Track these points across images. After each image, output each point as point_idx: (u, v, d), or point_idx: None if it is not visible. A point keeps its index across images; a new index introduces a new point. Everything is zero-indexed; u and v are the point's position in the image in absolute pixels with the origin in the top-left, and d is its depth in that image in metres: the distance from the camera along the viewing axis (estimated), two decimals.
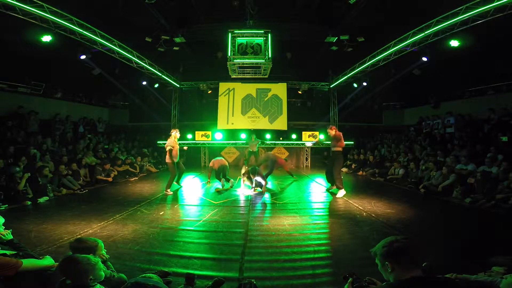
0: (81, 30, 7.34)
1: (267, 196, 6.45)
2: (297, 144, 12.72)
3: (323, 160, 13.08)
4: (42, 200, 5.75)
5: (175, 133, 6.85)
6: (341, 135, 6.52)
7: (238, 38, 8.65)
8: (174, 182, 6.95)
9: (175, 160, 6.75)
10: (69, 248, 2.29)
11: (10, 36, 8.24)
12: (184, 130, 13.18)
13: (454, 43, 7.82)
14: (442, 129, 10.53)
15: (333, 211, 5.26)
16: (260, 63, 8.90)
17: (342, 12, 8.94)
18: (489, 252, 2.83)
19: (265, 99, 12.96)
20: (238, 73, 9.89)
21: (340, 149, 6.49)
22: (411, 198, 6.46)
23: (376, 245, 1.51)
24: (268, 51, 8.60)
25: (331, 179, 6.73)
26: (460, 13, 6.35)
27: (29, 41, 7.68)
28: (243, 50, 8.64)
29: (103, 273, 1.86)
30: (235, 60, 8.69)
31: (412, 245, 1.43)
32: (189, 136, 12.66)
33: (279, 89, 12.98)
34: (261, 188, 6.67)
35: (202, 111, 13.51)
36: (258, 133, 11.92)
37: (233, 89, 12.99)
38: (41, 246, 3.34)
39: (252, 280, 2.36)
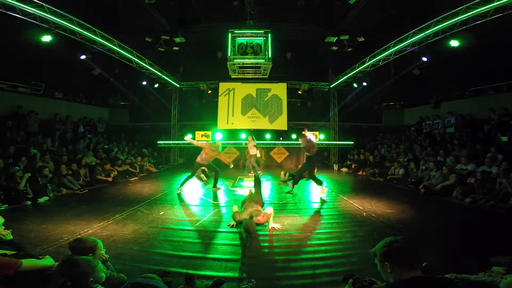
0: (81, 30, 7.34)
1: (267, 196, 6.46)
2: (297, 144, 12.71)
3: (323, 160, 13.08)
4: (42, 200, 5.74)
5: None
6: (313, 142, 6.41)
7: (238, 38, 8.65)
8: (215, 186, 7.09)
9: (204, 163, 6.85)
10: (68, 248, 2.29)
11: (10, 36, 8.24)
12: (184, 130, 13.21)
13: (454, 43, 7.83)
14: (442, 129, 10.54)
15: (333, 211, 5.26)
16: (260, 63, 8.91)
17: (342, 12, 8.94)
18: (489, 252, 2.82)
19: (265, 99, 12.96)
20: (238, 73, 9.89)
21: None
22: (411, 198, 6.45)
23: (376, 246, 1.51)
24: (268, 51, 8.60)
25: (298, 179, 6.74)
26: (460, 13, 6.35)
27: (29, 41, 7.67)
28: (243, 50, 8.65)
29: (103, 275, 1.86)
30: (235, 60, 8.69)
31: (411, 245, 1.43)
32: (189, 136, 12.63)
33: (279, 89, 12.98)
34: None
35: (202, 111, 13.50)
36: (257, 133, 11.89)
37: (233, 89, 12.98)
38: (41, 246, 3.34)
39: (253, 280, 2.36)
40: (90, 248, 2.19)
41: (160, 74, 11.43)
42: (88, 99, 13.01)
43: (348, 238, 3.85)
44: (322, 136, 12.28)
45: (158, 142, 12.85)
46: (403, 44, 8.19)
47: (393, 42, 8.50)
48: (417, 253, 1.42)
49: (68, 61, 9.50)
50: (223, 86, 12.96)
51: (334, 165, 12.02)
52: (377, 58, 9.43)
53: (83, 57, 8.75)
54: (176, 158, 13.38)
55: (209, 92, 13.38)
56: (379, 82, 11.99)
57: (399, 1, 8.18)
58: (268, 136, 12.63)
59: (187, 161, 13.45)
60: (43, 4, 6.33)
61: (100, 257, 2.23)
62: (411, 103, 13.77)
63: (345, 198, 6.21)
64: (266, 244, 3.67)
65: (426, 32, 7.30)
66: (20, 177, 5.77)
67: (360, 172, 10.40)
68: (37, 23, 6.53)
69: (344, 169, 11.37)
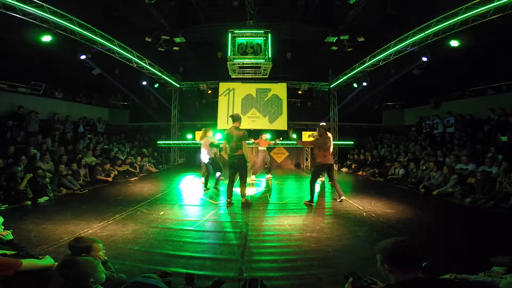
0: (81, 30, 7.34)
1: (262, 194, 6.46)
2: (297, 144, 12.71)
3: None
4: (42, 200, 5.75)
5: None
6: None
7: (238, 38, 8.65)
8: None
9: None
10: (68, 247, 2.29)
11: (10, 36, 8.24)
12: (184, 130, 13.23)
13: (454, 43, 7.82)
14: (442, 129, 10.54)
15: (333, 211, 5.26)
16: (260, 63, 8.90)
17: (342, 12, 8.94)
18: (489, 252, 2.82)
19: (265, 99, 12.96)
20: (238, 73, 9.89)
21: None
22: (411, 198, 6.45)
23: (376, 246, 1.51)
24: (268, 51, 8.60)
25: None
26: (460, 13, 6.35)
27: (29, 41, 7.67)
28: (243, 50, 8.64)
29: (104, 275, 1.85)
30: (235, 60, 8.69)
31: (411, 247, 1.42)
32: (189, 136, 12.66)
33: (279, 89, 12.98)
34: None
35: (202, 111, 13.51)
36: (257, 134, 11.87)
37: (233, 89, 12.98)
38: (41, 246, 3.34)
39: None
40: (87, 248, 2.17)
41: (160, 74, 11.43)
42: (88, 99, 13.02)
43: (348, 238, 3.85)
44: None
45: (158, 142, 12.85)
46: (403, 44, 8.18)
47: (393, 42, 8.50)
48: (416, 255, 1.41)
49: (68, 61, 9.50)
50: (223, 86, 12.96)
51: (334, 165, 12.02)
52: (377, 58, 9.43)
53: (83, 57, 8.74)
54: (176, 158, 13.39)
55: (209, 92, 13.39)
56: (379, 82, 11.99)
57: (399, 1, 8.17)
58: (268, 136, 12.61)
59: (187, 161, 13.48)
60: (43, 4, 6.33)
61: (98, 258, 2.22)
62: (411, 103, 13.77)
63: (345, 198, 6.20)
64: (266, 244, 3.67)
65: (426, 32, 7.30)
66: (21, 177, 5.77)
67: (360, 172, 10.40)
68: (37, 23, 6.54)
69: (344, 169, 11.38)
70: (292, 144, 12.70)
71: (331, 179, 5.88)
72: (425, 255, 1.43)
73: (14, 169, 5.92)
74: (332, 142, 5.98)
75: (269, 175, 8.93)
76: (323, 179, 7.92)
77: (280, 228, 4.24)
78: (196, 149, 13.00)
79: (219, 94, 12.97)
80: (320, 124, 5.97)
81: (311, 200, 5.61)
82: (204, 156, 6.94)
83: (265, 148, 8.97)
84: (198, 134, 12.51)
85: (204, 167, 7.26)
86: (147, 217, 4.70)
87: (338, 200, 5.83)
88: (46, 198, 5.89)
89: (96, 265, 1.79)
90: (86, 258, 1.82)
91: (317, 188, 7.30)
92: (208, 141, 6.99)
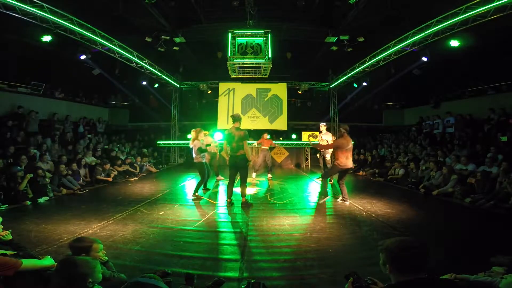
0: (81, 30, 7.35)
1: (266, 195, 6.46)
2: (297, 144, 12.72)
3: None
4: (42, 200, 5.74)
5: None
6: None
7: (238, 38, 8.65)
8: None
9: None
10: (68, 248, 2.29)
11: (10, 36, 8.24)
12: (184, 130, 13.23)
13: (454, 43, 7.83)
14: (442, 129, 10.54)
15: (333, 211, 5.26)
16: (260, 63, 8.91)
17: (342, 12, 8.94)
18: (489, 252, 2.82)
19: (265, 99, 12.97)
20: (238, 73, 9.90)
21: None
22: (411, 198, 6.45)
23: (380, 245, 1.50)
24: (268, 51, 8.60)
25: None
26: (460, 13, 6.35)
27: (29, 41, 7.67)
28: (243, 50, 8.65)
29: (101, 275, 1.85)
30: (235, 60, 8.69)
31: (413, 248, 1.41)
32: (189, 136, 12.64)
33: (279, 89, 12.98)
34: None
35: (202, 111, 13.52)
36: (257, 133, 11.89)
37: (233, 89, 12.99)
38: (41, 246, 3.34)
39: (252, 280, 2.35)
40: (86, 248, 2.17)
41: (160, 74, 11.44)
42: (88, 99, 13.02)
43: (348, 238, 3.85)
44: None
45: (158, 142, 12.85)
46: (403, 44, 8.19)
47: (393, 42, 8.50)
48: (420, 255, 1.40)
49: (68, 61, 9.50)
50: (223, 86, 12.97)
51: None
52: (377, 58, 9.43)
53: (83, 57, 8.75)
54: (176, 158, 13.39)
55: (209, 92, 13.39)
56: (379, 82, 11.99)
57: (399, 1, 8.17)
58: (268, 136, 12.62)
59: (187, 161, 13.47)
60: (43, 4, 6.33)
61: (98, 258, 2.21)
62: (411, 103, 13.78)
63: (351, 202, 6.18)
64: (266, 244, 3.67)
65: (426, 32, 7.30)
66: (22, 177, 5.76)
67: (360, 172, 10.40)
68: (37, 23, 6.54)
69: None
70: (292, 144, 12.71)
71: (342, 181, 5.85)
72: (427, 256, 1.41)
73: (14, 169, 5.92)
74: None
75: (270, 175, 8.97)
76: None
77: (280, 228, 4.24)
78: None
79: (219, 94, 12.98)
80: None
81: (325, 194, 5.79)
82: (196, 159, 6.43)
83: (268, 148, 9.05)
84: None
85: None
86: (147, 217, 4.69)
87: (339, 200, 5.84)
88: (46, 198, 5.89)
89: (94, 265, 1.79)
90: (85, 258, 1.82)
91: (318, 188, 7.30)
92: (197, 145, 6.27)
